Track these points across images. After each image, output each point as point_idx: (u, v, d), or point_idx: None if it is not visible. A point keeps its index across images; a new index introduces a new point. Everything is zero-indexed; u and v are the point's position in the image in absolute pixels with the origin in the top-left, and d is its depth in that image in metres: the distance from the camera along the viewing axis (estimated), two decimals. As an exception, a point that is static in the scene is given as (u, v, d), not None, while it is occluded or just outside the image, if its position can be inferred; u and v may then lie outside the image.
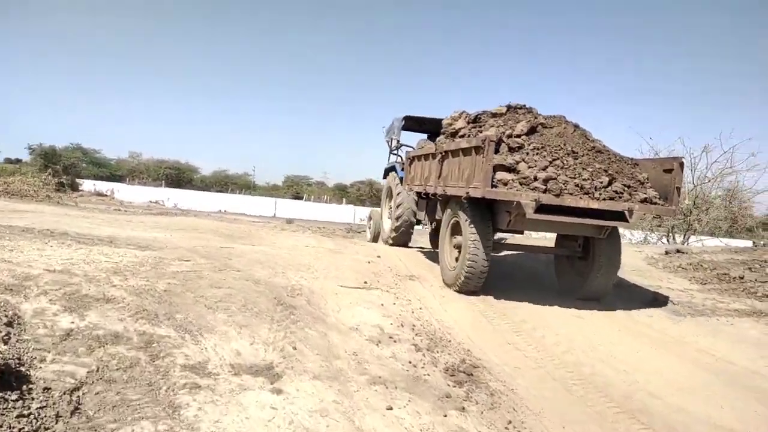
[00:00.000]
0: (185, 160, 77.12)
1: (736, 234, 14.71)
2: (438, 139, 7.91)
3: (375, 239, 10.99)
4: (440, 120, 9.97)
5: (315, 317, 4.47)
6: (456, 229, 6.61)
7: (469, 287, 6.11)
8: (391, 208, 9.95)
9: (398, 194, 9.38)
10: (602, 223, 5.78)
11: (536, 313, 5.71)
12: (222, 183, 76.56)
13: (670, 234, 14.29)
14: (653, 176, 6.19)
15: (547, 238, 12.64)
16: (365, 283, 5.98)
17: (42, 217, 7.89)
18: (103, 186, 44.28)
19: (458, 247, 6.45)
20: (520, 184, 5.53)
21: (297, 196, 74.13)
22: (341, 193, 77.87)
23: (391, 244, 9.49)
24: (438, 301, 5.66)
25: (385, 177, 10.84)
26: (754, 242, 12.58)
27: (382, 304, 5.14)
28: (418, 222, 9.34)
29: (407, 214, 9.18)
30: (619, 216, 5.70)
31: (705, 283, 7.67)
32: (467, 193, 5.86)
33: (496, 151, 5.62)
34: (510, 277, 7.50)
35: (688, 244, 14.24)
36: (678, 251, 9.91)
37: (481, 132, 6.45)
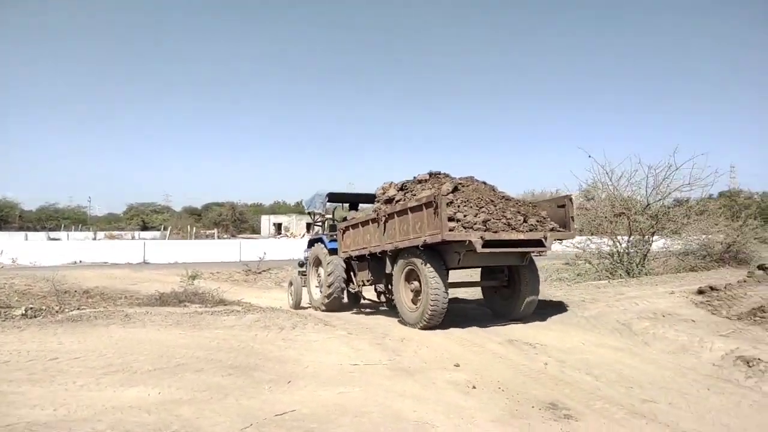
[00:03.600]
0: (1, 196, 65.63)
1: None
2: (374, 206, 8.91)
3: (297, 305, 11.40)
4: (359, 194, 11.98)
5: None
6: (411, 276, 7.70)
7: (434, 322, 7.20)
8: (319, 276, 10.77)
9: (328, 263, 10.12)
10: (528, 249, 7.40)
11: None
12: (50, 219, 66.06)
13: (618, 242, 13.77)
14: (550, 212, 7.89)
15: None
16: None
17: None
18: None
19: (414, 291, 7.59)
20: (464, 227, 6.80)
21: (145, 227, 66.45)
22: (196, 218, 71.40)
23: (324, 310, 10.09)
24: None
25: (310, 247, 11.75)
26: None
27: None
28: (347, 285, 10.10)
29: (338, 280, 9.95)
30: (539, 243, 7.23)
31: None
32: (425, 241, 6.98)
33: (447, 203, 6.80)
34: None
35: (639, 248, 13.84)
36: (712, 288, 9.03)
37: (414, 196, 7.86)
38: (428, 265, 7.08)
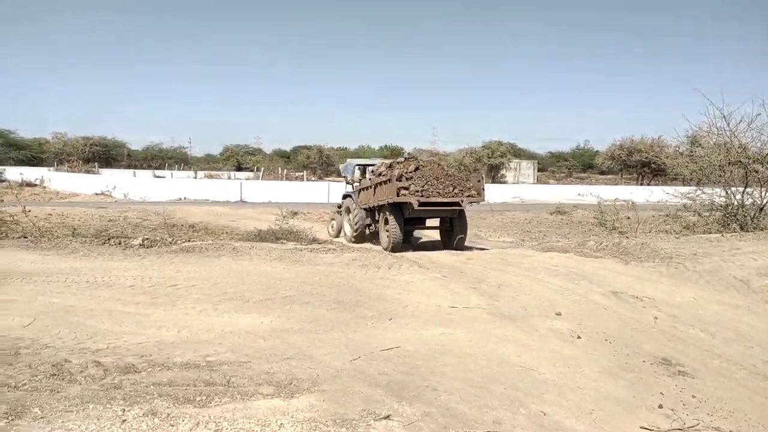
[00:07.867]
0: (111, 136, 70.38)
1: None
2: (370, 177, 13.05)
3: (337, 235, 15.11)
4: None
5: None
6: (386, 222, 11.36)
7: (396, 249, 10.84)
8: (350, 219, 14.18)
9: (354, 210, 13.67)
10: (450, 208, 11.09)
11: None
12: (155, 158, 70.36)
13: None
14: (475, 184, 11.16)
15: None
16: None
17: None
18: (31, 173, 38.96)
19: (387, 230, 11.27)
20: (410, 194, 10.53)
21: (240, 167, 69.36)
22: (286, 161, 73.46)
23: (353, 242, 13.39)
24: None
25: (344, 199, 15.32)
26: None
27: None
28: (368, 227, 13.34)
29: (361, 220, 13.28)
30: (458, 204, 10.85)
31: None
32: (388, 201, 11.07)
33: (399, 180, 10.58)
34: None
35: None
36: None
37: (393, 172, 11.02)
38: (391, 215, 11.10)
